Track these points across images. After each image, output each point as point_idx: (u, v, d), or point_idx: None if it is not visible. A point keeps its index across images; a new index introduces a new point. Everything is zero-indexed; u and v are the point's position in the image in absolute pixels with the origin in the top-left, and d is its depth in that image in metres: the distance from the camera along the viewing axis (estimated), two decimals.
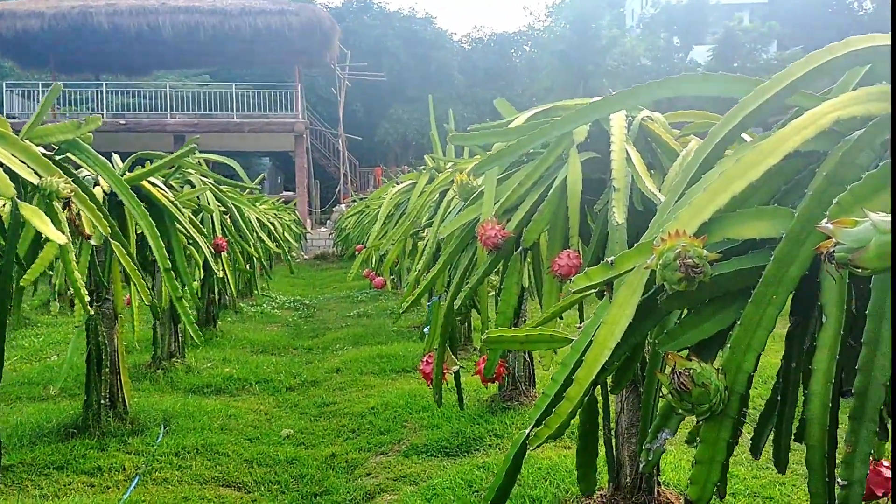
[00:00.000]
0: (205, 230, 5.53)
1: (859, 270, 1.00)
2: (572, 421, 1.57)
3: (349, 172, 27.92)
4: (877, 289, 1.19)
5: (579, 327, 1.64)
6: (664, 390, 1.30)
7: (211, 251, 5.28)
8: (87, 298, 3.31)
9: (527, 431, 1.56)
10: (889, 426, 1.42)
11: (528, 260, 2.86)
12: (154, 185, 4.43)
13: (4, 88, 22.69)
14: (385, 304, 10.73)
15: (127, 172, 4.33)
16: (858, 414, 1.19)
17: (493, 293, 3.65)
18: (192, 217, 4.90)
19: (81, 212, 3.17)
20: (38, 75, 25.93)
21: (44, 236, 2.65)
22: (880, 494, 1.55)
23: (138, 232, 4.26)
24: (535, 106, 2.87)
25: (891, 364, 1.17)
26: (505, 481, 1.61)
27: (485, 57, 38.02)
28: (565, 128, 2.17)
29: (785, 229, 1.26)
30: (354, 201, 17.93)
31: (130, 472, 4.06)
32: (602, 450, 2.73)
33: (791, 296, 1.30)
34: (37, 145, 3.01)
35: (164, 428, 4.78)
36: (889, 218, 0.97)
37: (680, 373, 1.25)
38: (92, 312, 3.95)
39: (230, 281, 6.36)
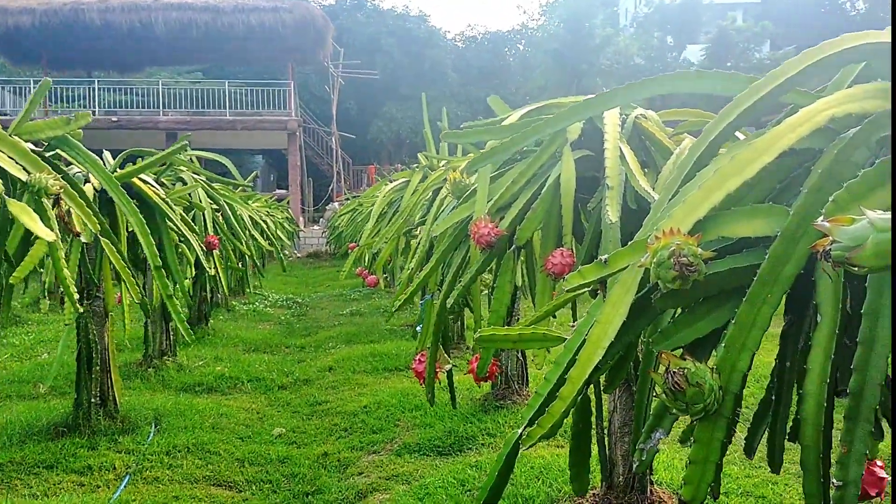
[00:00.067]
0: (196, 228, 5.50)
1: (856, 269, 0.99)
2: (565, 420, 1.56)
3: (342, 170, 27.88)
4: (872, 287, 1.18)
5: (573, 326, 1.63)
6: (658, 390, 1.28)
7: (203, 249, 5.25)
8: (77, 296, 3.29)
9: (519, 431, 1.55)
10: (883, 426, 1.41)
11: (522, 258, 2.85)
12: (145, 182, 4.40)
13: None
14: (378, 303, 10.71)
15: (118, 169, 4.30)
16: (854, 414, 1.18)
17: (486, 292, 3.64)
18: (184, 215, 4.87)
19: (71, 209, 3.14)
20: (29, 72, 25.79)
21: (33, 234, 2.63)
22: (874, 494, 1.54)
23: (130, 229, 4.23)
24: (528, 104, 2.86)
25: (887, 364, 1.16)
26: (497, 481, 1.59)
27: (479, 55, 37.99)
28: (559, 125, 2.16)
29: (780, 227, 1.25)
30: (347, 199, 17.90)
31: (121, 472, 4.04)
32: (595, 449, 2.72)
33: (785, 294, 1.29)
34: (26, 141, 2.99)
35: (155, 427, 4.75)
36: (887, 216, 0.96)
37: (674, 372, 1.23)
38: (81, 310, 3.92)
39: (222, 279, 6.33)
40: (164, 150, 4.63)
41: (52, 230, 2.74)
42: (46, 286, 4.73)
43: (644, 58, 29.13)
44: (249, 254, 7.81)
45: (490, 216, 2.56)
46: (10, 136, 2.85)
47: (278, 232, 12.12)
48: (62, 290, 3.22)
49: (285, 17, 21.69)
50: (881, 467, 1.58)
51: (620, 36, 30.05)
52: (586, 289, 1.56)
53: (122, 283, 3.89)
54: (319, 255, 20.78)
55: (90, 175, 3.74)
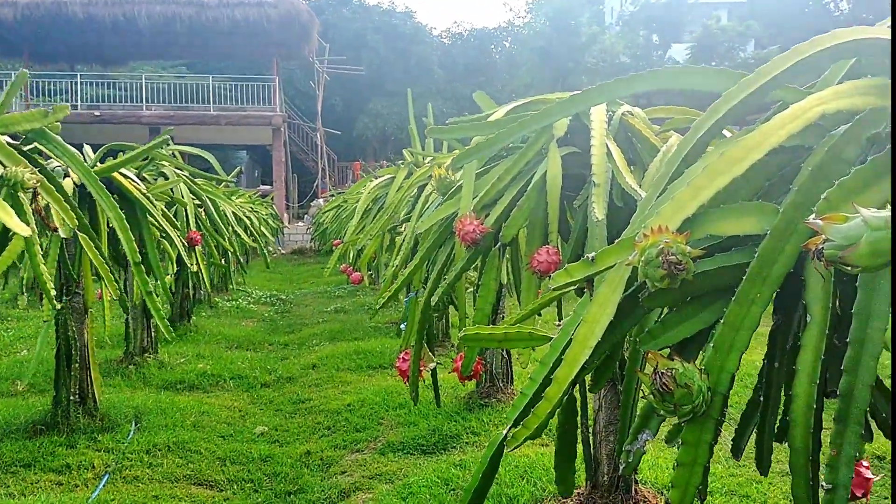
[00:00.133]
0: (178, 224, 5.44)
1: (849, 268, 0.97)
2: (550, 421, 1.53)
3: (327, 167, 27.76)
4: (863, 287, 1.17)
5: (558, 325, 1.60)
6: (645, 391, 1.26)
7: (185, 245, 5.19)
8: (54, 293, 3.23)
9: (504, 432, 1.52)
10: (873, 427, 1.39)
11: (507, 256, 2.83)
12: (126, 177, 4.34)
13: None
14: (362, 300, 10.66)
15: (98, 164, 4.23)
16: (844, 416, 1.16)
17: (471, 289, 3.62)
18: (166, 210, 4.80)
19: (49, 203, 3.09)
20: (11, 66, 25.48)
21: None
22: (860, 495, 1.53)
23: (110, 225, 4.17)
24: (514, 101, 2.84)
25: (877, 363, 1.14)
26: (482, 483, 1.57)
27: (465, 52, 37.93)
28: (545, 121, 2.13)
29: (769, 226, 1.23)
30: (332, 196, 17.82)
31: (100, 470, 3.98)
32: (579, 448, 2.70)
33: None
34: (2, 134, 2.93)
35: (136, 425, 4.69)
36: (882, 214, 0.94)
37: (662, 373, 1.21)
38: (59, 306, 3.86)
39: (204, 275, 6.26)
40: (146, 144, 4.57)
41: (28, 225, 2.69)
42: (25, 282, 4.66)
43: (630, 56, 29.19)
44: (232, 250, 7.74)
45: (475, 213, 2.53)
46: None
47: (262, 228, 12.04)
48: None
49: (270, 12, 21.57)
50: (867, 468, 1.57)
51: (606, 34, 30.09)
52: (572, 287, 1.54)
53: (101, 279, 3.84)
54: (304, 251, 20.69)
55: (69, 170, 3.68)
